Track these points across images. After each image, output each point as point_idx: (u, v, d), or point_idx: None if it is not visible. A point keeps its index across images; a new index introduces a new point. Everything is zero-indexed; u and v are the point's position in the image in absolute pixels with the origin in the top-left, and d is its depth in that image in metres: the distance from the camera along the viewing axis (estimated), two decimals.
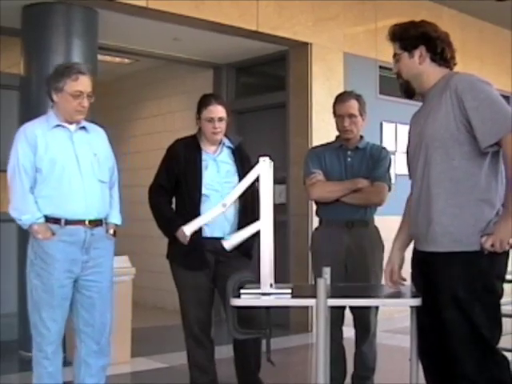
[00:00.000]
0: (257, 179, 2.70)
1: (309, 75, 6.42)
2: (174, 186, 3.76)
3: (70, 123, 3.36)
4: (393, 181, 4.04)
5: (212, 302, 3.80)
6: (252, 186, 3.81)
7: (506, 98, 7.68)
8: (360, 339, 3.93)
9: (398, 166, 6.24)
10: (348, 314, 3.83)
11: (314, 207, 4.18)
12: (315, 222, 4.17)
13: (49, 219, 3.26)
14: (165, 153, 3.86)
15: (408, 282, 2.84)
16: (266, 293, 2.60)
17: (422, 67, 2.74)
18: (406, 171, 2.93)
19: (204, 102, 3.79)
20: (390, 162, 3.95)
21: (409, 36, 2.75)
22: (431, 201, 2.62)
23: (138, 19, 5.60)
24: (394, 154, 6.47)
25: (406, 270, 2.87)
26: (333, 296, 2.63)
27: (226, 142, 3.84)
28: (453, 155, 2.58)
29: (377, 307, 3.86)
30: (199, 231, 3.63)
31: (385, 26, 3.30)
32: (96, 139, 3.46)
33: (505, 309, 2.81)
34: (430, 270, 2.64)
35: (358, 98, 3.93)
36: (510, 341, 3.63)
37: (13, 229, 4.70)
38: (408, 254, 2.86)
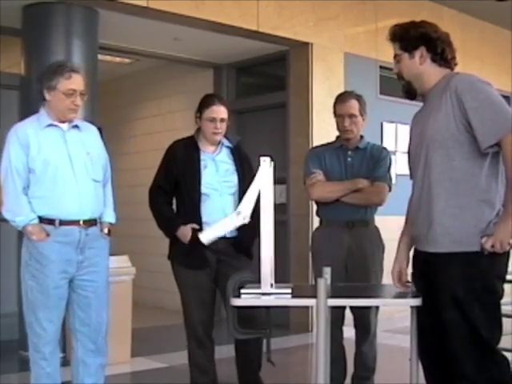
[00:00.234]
0: None
1: (309, 75, 6.42)
2: (174, 187, 3.76)
3: (63, 122, 3.33)
4: (393, 181, 4.04)
5: (214, 303, 3.80)
6: (248, 179, 3.82)
7: (506, 98, 7.68)
8: (360, 339, 3.92)
9: (399, 166, 6.24)
10: (348, 314, 3.83)
11: (315, 207, 4.18)
12: (315, 222, 4.18)
13: (43, 220, 3.25)
14: (163, 154, 3.86)
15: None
16: (266, 293, 2.60)
17: (422, 68, 2.74)
18: (406, 171, 2.93)
19: (207, 102, 3.79)
20: (391, 162, 3.95)
21: (409, 37, 2.74)
22: (432, 201, 2.62)
23: (139, 19, 5.60)
24: (394, 154, 6.47)
25: (408, 271, 2.87)
26: (333, 296, 2.63)
27: (225, 141, 3.84)
28: (453, 156, 2.58)
29: (377, 307, 3.86)
30: (200, 230, 3.63)
31: (385, 26, 3.30)
32: (89, 137, 3.44)
33: (505, 309, 2.81)
34: (431, 270, 2.64)
35: (359, 98, 3.93)
36: (510, 341, 3.63)
37: (12, 229, 4.68)
38: (411, 254, 2.86)
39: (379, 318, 3.98)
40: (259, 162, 2.68)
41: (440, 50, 2.73)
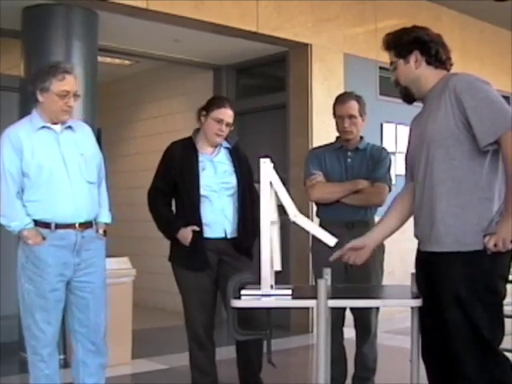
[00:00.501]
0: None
1: (309, 76, 6.42)
2: (173, 189, 3.75)
3: (56, 123, 3.31)
4: (393, 181, 4.04)
5: (215, 304, 3.80)
6: (247, 179, 3.81)
7: (506, 98, 7.68)
8: (360, 340, 3.92)
9: (398, 166, 6.23)
10: (349, 315, 3.83)
11: (315, 208, 4.17)
12: (315, 222, 4.17)
13: (39, 224, 3.23)
14: (161, 156, 3.85)
15: (409, 283, 2.84)
16: (266, 294, 2.59)
17: (418, 71, 2.75)
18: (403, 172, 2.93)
19: (217, 103, 3.77)
20: (391, 163, 3.95)
21: (402, 42, 2.76)
22: (434, 201, 2.62)
23: (138, 21, 5.60)
24: (394, 154, 6.47)
25: (408, 271, 2.87)
26: (333, 297, 2.62)
27: (224, 142, 3.83)
28: (454, 155, 2.59)
29: (377, 308, 3.86)
30: (200, 232, 3.63)
31: (385, 26, 3.30)
32: (82, 137, 3.41)
33: (507, 309, 2.80)
34: (433, 270, 2.64)
35: (358, 98, 3.93)
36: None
37: None
38: (411, 255, 2.85)
39: (380, 318, 3.98)
40: (258, 163, 2.68)
41: (434, 52, 2.74)
